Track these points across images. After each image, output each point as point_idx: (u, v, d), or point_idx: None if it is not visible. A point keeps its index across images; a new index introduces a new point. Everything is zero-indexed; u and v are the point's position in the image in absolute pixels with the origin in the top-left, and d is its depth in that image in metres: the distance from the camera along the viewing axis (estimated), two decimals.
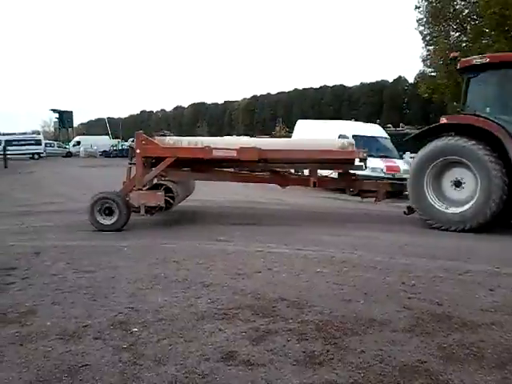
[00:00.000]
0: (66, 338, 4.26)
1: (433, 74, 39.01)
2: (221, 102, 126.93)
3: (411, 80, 78.25)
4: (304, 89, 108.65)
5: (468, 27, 37.15)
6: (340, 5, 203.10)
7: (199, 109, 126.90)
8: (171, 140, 10.46)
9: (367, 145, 17.30)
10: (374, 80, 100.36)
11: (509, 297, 5.46)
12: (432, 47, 38.12)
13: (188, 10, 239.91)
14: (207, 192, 15.05)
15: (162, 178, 10.58)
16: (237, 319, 4.75)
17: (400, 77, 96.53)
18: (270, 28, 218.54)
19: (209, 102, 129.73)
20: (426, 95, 40.08)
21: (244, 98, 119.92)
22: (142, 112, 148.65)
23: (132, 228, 9.71)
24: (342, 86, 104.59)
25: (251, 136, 57.45)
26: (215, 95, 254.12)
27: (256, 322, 4.66)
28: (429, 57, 38.65)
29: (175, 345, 4.16)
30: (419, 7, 37.60)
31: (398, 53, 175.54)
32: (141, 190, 9.83)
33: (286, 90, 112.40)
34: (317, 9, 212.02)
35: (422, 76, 42.18)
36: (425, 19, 37.88)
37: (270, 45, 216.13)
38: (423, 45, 39.14)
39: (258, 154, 9.82)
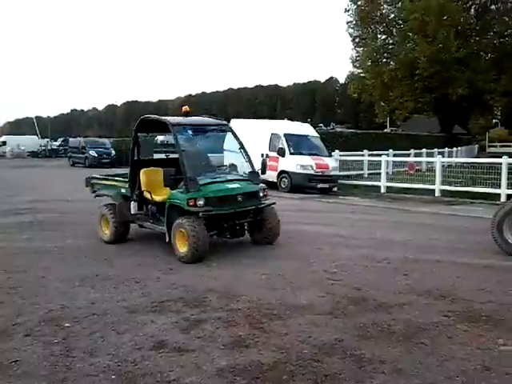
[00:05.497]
0: None
1: (362, 74, 40.59)
2: (155, 100, 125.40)
3: (342, 80, 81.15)
4: (239, 88, 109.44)
5: (394, 30, 39.09)
6: (275, 6, 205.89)
7: (133, 107, 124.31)
8: None
9: (298, 143, 17.94)
10: (306, 80, 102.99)
11: (419, 280, 6.00)
12: (361, 49, 39.77)
13: (120, 7, 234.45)
14: None
15: None
16: (168, 311, 4.94)
17: (331, 77, 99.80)
18: (206, 27, 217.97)
19: (142, 100, 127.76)
20: (355, 95, 41.75)
21: (178, 97, 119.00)
22: (72, 111, 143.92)
23: (58, 229, 9.55)
24: (275, 86, 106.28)
25: None
26: (149, 93, 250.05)
27: (187, 313, 4.87)
28: (358, 58, 40.26)
29: (107, 337, 4.30)
30: (348, 10, 39.24)
31: (330, 54, 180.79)
32: None
33: (221, 90, 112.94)
34: (252, 10, 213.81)
35: (351, 77, 43.78)
36: (354, 22, 39.50)
37: (205, 44, 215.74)
38: (352, 46, 40.87)
39: None
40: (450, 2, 32.26)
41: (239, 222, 7.43)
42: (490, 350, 4.02)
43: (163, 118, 7.83)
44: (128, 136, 60.62)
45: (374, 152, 20.16)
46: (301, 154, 17.39)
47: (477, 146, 43.31)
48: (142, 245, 8.04)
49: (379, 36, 40.02)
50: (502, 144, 46.93)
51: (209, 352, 3.99)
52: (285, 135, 17.74)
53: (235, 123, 21.72)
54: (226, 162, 9.02)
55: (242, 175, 7.84)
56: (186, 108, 7.98)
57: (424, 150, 23.67)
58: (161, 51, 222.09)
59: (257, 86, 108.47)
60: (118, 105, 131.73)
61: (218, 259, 6.94)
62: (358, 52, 40.31)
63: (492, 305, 5.09)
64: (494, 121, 55.35)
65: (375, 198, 16.01)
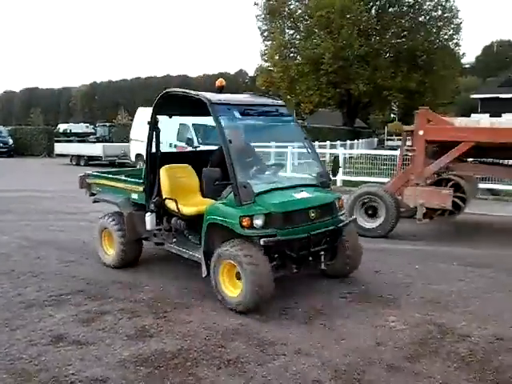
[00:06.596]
0: None
1: (270, 68, 41.24)
2: (57, 87, 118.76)
3: (251, 73, 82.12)
4: (148, 77, 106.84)
5: (301, 26, 40.10)
6: None
7: (33, 94, 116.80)
8: (463, 121, 8.12)
9: (207, 134, 17.88)
10: (216, 72, 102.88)
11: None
12: (269, 43, 40.36)
13: None
14: None
15: (448, 173, 8.33)
16: (68, 304, 4.75)
17: (241, 70, 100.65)
18: (113, 12, 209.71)
19: (43, 87, 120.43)
20: (264, 88, 42.39)
21: (83, 85, 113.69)
22: None
23: None
24: (185, 76, 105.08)
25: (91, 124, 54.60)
26: (51, 80, 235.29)
27: (88, 305, 4.72)
28: (266, 52, 40.80)
29: None
30: (257, 4, 39.55)
31: (241, 47, 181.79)
32: (420, 185, 7.75)
33: (129, 78, 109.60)
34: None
35: (260, 70, 44.35)
36: (263, 16, 39.98)
37: (111, 30, 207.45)
38: (261, 40, 41.32)
39: None
40: (352, 1, 33.70)
41: (314, 249, 4.86)
42: (382, 327, 4.31)
43: (197, 92, 5.27)
44: (28, 124, 57.10)
45: (281, 144, 20.64)
46: (208, 144, 17.35)
47: (376, 139, 45.89)
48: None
49: (287, 31, 40.82)
50: (399, 137, 50.08)
51: (110, 344, 3.90)
52: (193, 125, 17.61)
53: (142, 112, 21.20)
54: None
55: (307, 178, 5.75)
56: (221, 81, 5.67)
57: (328, 143, 24.62)
58: (63, 36, 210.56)
59: (166, 75, 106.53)
60: (17, 91, 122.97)
61: None
62: (266, 46, 40.85)
63: (385, 286, 5.47)
64: (392, 116, 58.95)
65: None
